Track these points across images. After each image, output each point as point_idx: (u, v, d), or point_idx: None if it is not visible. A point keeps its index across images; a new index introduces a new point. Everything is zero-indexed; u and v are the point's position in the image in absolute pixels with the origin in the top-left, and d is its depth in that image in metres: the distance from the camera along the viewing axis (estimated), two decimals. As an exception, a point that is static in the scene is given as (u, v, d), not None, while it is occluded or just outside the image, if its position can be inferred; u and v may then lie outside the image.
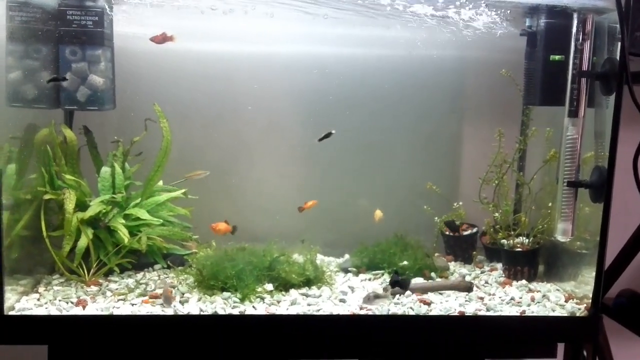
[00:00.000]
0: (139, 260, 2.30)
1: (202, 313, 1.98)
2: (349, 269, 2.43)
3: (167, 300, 2.00)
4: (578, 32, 2.08)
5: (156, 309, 1.99)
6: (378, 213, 2.46)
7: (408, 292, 2.17)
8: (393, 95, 2.54)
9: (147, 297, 2.06)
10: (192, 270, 2.18)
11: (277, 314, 2.00)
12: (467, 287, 2.23)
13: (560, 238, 2.17)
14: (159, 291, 2.11)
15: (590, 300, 2.06)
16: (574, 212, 2.14)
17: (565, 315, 2.08)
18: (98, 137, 2.33)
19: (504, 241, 2.43)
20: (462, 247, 2.56)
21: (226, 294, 2.08)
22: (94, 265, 2.19)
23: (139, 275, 2.28)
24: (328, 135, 2.29)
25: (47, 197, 2.14)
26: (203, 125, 2.48)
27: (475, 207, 2.49)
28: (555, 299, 2.18)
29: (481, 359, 2.14)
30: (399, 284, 2.16)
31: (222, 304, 2.03)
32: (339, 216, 2.57)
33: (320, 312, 2.02)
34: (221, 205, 2.49)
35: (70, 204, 2.10)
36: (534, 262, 2.39)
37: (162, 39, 2.19)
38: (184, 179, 2.36)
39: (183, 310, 1.99)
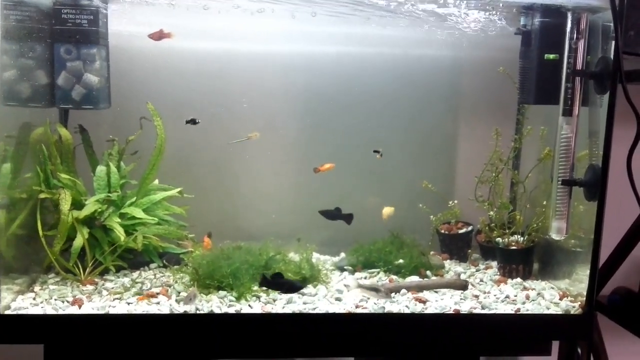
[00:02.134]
0: (134, 259, 2.30)
1: (198, 312, 1.98)
2: (345, 267, 2.43)
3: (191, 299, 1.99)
4: (572, 31, 2.09)
5: (152, 308, 1.99)
6: (387, 210, 2.45)
7: (403, 290, 2.18)
8: (389, 94, 2.54)
9: (142, 295, 2.07)
10: (188, 269, 2.18)
11: (273, 312, 2.01)
12: (462, 285, 2.23)
13: (554, 236, 2.18)
14: (155, 290, 2.11)
15: (585, 298, 2.07)
16: (569, 210, 2.15)
17: (560, 313, 2.09)
18: (93, 136, 2.33)
19: (499, 239, 2.44)
20: (457, 246, 2.57)
21: (222, 293, 2.09)
22: (90, 265, 2.18)
23: (135, 274, 2.28)
24: (378, 152, 2.32)
25: (42, 196, 2.13)
26: (198, 123, 2.48)
27: (470, 205, 2.50)
28: (549, 296, 2.19)
29: (476, 357, 2.15)
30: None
31: (218, 303, 2.03)
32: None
33: (316, 311, 2.03)
34: (217, 203, 2.49)
35: (65, 205, 2.10)
36: (528, 260, 2.40)
37: (159, 35, 2.19)
38: (246, 138, 2.34)
39: (179, 309, 1.99)
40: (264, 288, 2.10)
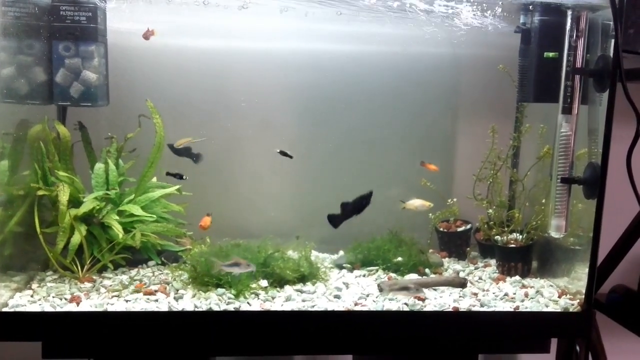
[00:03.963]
0: (132, 257, 2.29)
1: (196, 309, 1.98)
2: (344, 265, 2.43)
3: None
4: (572, 29, 2.08)
5: (150, 305, 1.99)
6: (417, 202, 2.43)
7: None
8: (388, 92, 2.54)
9: (141, 287, 2.08)
10: (187, 267, 2.18)
11: (272, 310, 2.00)
12: (461, 283, 2.23)
13: (553, 234, 2.19)
14: (154, 287, 2.11)
15: (584, 296, 2.07)
16: (568, 209, 2.15)
17: (559, 310, 2.09)
18: (91, 134, 2.32)
19: (498, 237, 2.44)
20: (456, 244, 2.57)
21: (221, 290, 2.08)
22: (88, 262, 2.18)
23: (133, 272, 2.28)
24: (287, 154, 2.28)
25: (40, 193, 2.13)
26: (197, 121, 2.47)
27: (469, 203, 2.50)
28: (548, 294, 2.19)
29: (475, 354, 2.15)
30: None
31: (216, 300, 2.03)
32: (334, 212, 2.57)
33: (315, 308, 2.03)
34: (215, 201, 2.48)
35: (64, 197, 2.09)
36: (527, 258, 2.40)
37: (146, 35, 2.20)
38: (180, 145, 2.33)
39: (178, 306, 1.99)
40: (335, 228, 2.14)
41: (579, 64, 2.09)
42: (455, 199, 2.56)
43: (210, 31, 2.42)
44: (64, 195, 2.09)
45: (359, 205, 2.14)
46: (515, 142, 2.48)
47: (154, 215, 2.27)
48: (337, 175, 2.58)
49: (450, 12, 2.25)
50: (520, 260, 2.38)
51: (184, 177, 2.25)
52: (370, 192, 2.16)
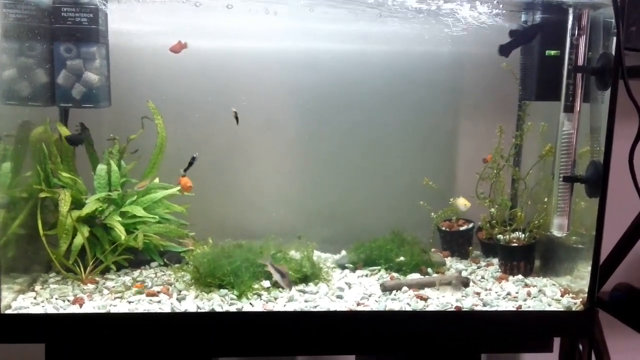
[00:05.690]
0: (135, 258, 2.30)
1: (199, 310, 1.98)
2: (346, 265, 2.43)
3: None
4: (574, 27, 2.08)
5: (153, 306, 1.99)
6: (462, 200, 2.44)
7: (405, 288, 2.18)
8: (389, 91, 2.54)
9: (141, 287, 2.09)
10: (189, 268, 2.18)
11: (275, 310, 2.00)
12: (464, 283, 2.23)
13: (556, 233, 2.18)
14: (157, 289, 2.11)
15: (586, 295, 2.07)
16: (570, 207, 2.14)
17: (562, 309, 2.09)
18: (93, 135, 2.32)
19: (500, 236, 2.44)
20: (458, 243, 2.57)
21: (223, 291, 2.08)
22: (90, 263, 2.18)
23: (136, 273, 2.28)
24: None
25: (42, 195, 2.13)
26: (199, 122, 2.47)
27: (471, 202, 2.49)
28: (551, 293, 2.19)
29: (478, 354, 2.15)
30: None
31: (219, 301, 2.03)
32: (336, 212, 2.57)
33: (318, 309, 2.03)
34: (218, 202, 2.49)
35: (64, 207, 2.09)
36: (530, 257, 2.39)
37: (177, 47, 2.20)
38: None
39: (180, 307, 1.99)
40: None
41: (580, 62, 2.08)
42: (457, 198, 2.55)
43: (211, 31, 2.42)
44: (64, 206, 2.09)
45: (529, 33, 2.12)
46: (518, 140, 2.48)
47: (156, 216, 2.28)
48: (339, 174, 2.57)
49: (452, 10, 2.25)
50: (522, 259, 2.37)
51: (195, 155, 2.23)
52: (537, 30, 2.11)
